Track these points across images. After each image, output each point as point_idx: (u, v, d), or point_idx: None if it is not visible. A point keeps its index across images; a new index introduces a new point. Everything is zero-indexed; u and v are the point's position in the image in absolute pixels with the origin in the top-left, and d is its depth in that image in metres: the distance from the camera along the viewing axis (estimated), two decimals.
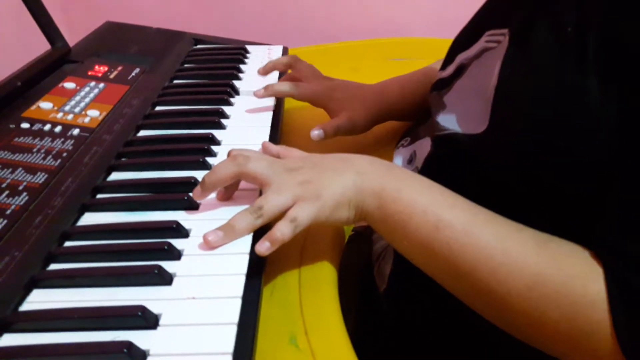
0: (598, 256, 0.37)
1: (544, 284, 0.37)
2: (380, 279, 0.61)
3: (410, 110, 0.69)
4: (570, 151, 0.39)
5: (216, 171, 0.46)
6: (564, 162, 0.39)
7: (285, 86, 0.66)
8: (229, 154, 0.47)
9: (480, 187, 0.45)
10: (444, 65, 0.57)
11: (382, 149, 0.67)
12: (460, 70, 0.53)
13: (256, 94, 0.66)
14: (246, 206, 0.44)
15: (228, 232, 0.43)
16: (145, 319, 0.36)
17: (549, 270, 0.37)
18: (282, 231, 0.42)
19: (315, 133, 0.62)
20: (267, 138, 0.59)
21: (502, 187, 0.43)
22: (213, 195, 0.49)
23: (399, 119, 0.71)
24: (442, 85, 0.56)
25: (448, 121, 0.52)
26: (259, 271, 0.43)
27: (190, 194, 0.48)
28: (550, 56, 0.40)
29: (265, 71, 0.70)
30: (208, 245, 0.42)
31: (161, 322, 0.37)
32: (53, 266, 0.42)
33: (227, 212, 0.46)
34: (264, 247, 0.42)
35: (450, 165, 0.50)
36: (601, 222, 0.37)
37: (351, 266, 0.64)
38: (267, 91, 0.66)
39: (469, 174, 0.47)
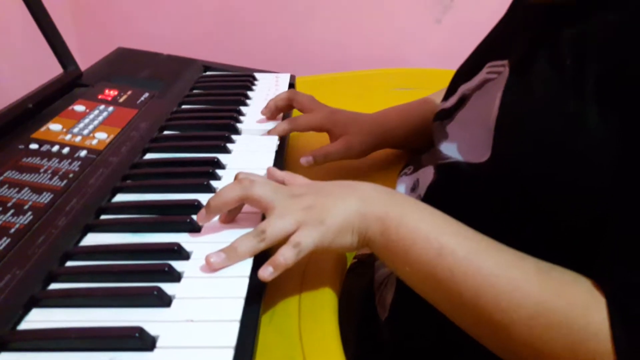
0: (600, 285, 0.36)
1: (548, 313, 0.36)
2: (381, 307, 0.60)
3: (409, 137, 0.70)
4: (572, 180, 0.39)
5: (221, 194, 0.46)
6: (565, 191, 0.39)
7: (285, 124, 0.67)
8: (235, 177, 0.48)
9: (482, 215, 0.45)
10: (447, 96, 0.58)
11: (384, 176, 0.68)
12: (463, 101, 0.54)
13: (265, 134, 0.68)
14: (248, 229, 0.45)
15: (230, 254, 0.43)
16: (143, 340, 0.36)
17: (552, 299, 0.37)
18: (285, 256, 0.42)
19: (304, 160, 0.64)
20: (272, 163, 0.60)
21: (505, 215, 0.44)
22: (216, 218, 0.49)
23: (397, 146, 0.72)
24: (445, 115, 0.56)
25: (451, 150, 0.53)
26: (259, 295, 0.43)
27: (194, 217, 0.48)
28: (550, 87, 0.41)
29: (268, 110, 0.70)
30: (210, 266, 0.43)
31: (158, 343, 0.36)
32: (53, 285, 0.42)
33: (229, 236, 0.46)
34: (267, 272, 0.42)
35: (453, 194, 0.51)
36: (602, 251, 0.37)
37: (352, 294, 0.64)
38: (270, 133, 0.67)
39: (471, 202, 0.48)
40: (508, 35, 0.54)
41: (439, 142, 0.55)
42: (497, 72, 0.49)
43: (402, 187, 0.61)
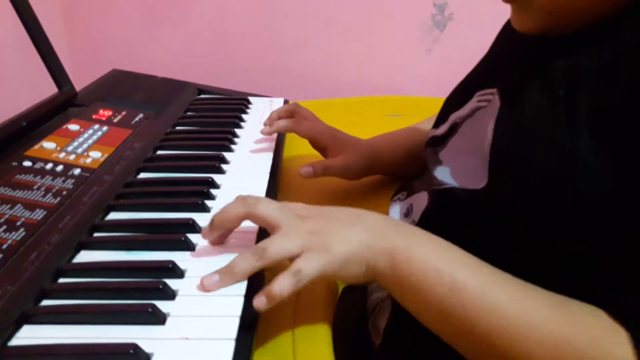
0: (618, 318, 0.36)
1: (568, 346, 0.35)
2: (375, 333, 0.60)
3: (397, 164, 0.71)
4: (566, 208, 0.39)
5: (225, 211, 0.45)
6: (560, 219, 0.40)
7: (289, 122, 0.68)
8: (236, 199, 0.47)
9: (478, 241, 0.45)
10: (437, 124, 0.59)
11: (377, 200, 0.68)
12: (454, 128, 0.55)
13: (262, 132, 0.68)
14: (242, 250, 0.44)
15: (226, 276, 0.42)
16: (137, 358, 0.35)
17: (572, 333, 0.36)
18: (282, 287, 0.40)
19: (304, 170, 0.63)
20: (266, 184, 0.60)
21: (501, 242, 0.44)
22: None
23: (386, 172, 0.73)
24: (437, 142, 0.57)
25: (446, 175, 0.53)
26: (254, 314, 0.42)
27: (188, 235, 0.48)
28: (542, 117, 0.42)
29: (270, 121, 0.70)
30: (204, 289, 0.42)
31: None
32: (45, 302, 0.41)
33: (223, 254, 0.46)
34: (261, 302, 0.40)
35: (448, 219, 0.51)
36: (613, 283, 0.37)
37: (344, 318, 0.63)
38: (272, 127, 0.68)
39: (467, 228, 0.47)
40: (496, 64, 0.55)
41: (434, 168, 0.56)
42: (487, 100, 0.50)
43: (395, 212, 0.61)
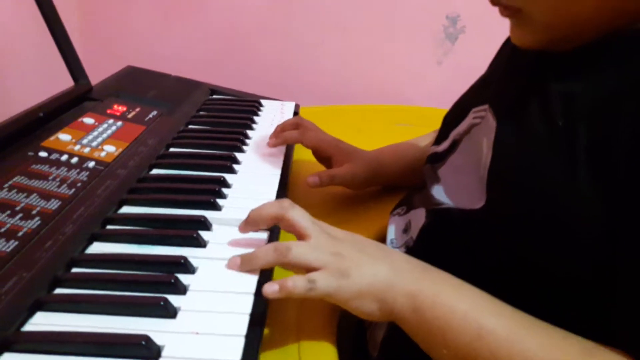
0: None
1: None
2: (372, 345, 0.60)
3: (400, 175, 0.72)
4: (563, 238, 0.39)
5: (260, 209, 0.47)
6: (556, 250, 0.40)
7: (294, 133, 0.70)
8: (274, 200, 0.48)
9: (474, 262, 0.45)
10: (439, 140, 0.59)
11: (377, 213, 0.68)
12: (454, 146, 0.55)
13: (268, 144, 0.70)
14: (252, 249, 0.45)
15: (245, 262, 0.44)
16: (149, 349, 0.36)
17: None
18: (296, 284, 0.41)
19: (311, 179, 0.65)
20: (277, 184, 0.61)
21: (497, 263, 0.44)
22: (222, 235, 0.50)
23: (389, 184, 0.73)
24: (437, 159, 0.57)
25: (442, 195, 0.53)
26: (262, 313, 0.43)
27: (200, 232, 0.49)
28: (542, 147, 0.41)
29: (275, 134, 0.71)
30: (229, 266, 0.45)
31: (164, 353, 0.36)
32: (59, 291, 0.42)
33: (234, 252, 0.47)
34: (272, 289, 0.41)
35: (445, 239, 0.50)
36: (625, 319, 0.37)
37: (344, 327, 0.64)
38: (278, 139, 0.69)
39: (463, 248, 0.47)
40: (491, 81, 0.55)
41: (431, 186, 0.56)
42: (480, 116, 0.51)
43: (393, 227, 0.61)
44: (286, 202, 0.46)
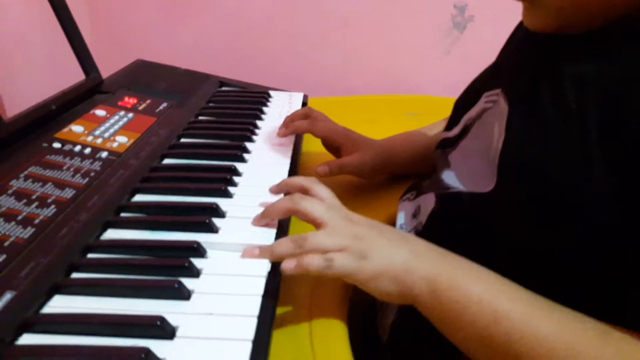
0: None
1: None
2: (382, 328, 0.60)
3: (411, 164, 0.72)
4: (574, 218, 0.39)
5: (275, 204, 0.49)
6: (567, 228, 0.40)
7: (304, 123, 0.70)
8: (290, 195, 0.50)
9: (483, 246, 0.46)
10: (450, 126, 0.59)
11: (387, 199, 0.69)
12: (465, 130, 0.55)
13: (278, 134, 0.70)
14: (264, 236, 0.47)
15: (263, 252, 0.45)
16: (164, 329, 0.37)
17: None
18: (311, 262, 0.42)
19: (321, 169, 0.66)
20: (287, 172, 0.62)
21: (506, 247, 0.44)
22: (234, 221, 0.51)
23: (399, 172, 0.74)
24: (448, 144, 0.57)
25: (453, 179, 0.54)
26: (274, 294, 0.43)
27: (212, 219, 0.49)
28: (555, 131, 0.41)
29: (284, 124, 0.72)
30: (244, 254, 0.46)
31: (178, 333, 0.37)
32: (75, 275, 0.43)
33: (245, 238, 0.48)
34: (290, 265, 0.42)
35: (454, 223, 0.51)
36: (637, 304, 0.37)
37: (354, 309, 0.64)
38: (288, 128, 0.70)
39: (472, 232, 0.48)
40: (503, 65, 0.55)
41: (441, 171, 0.56)
42: (492, 100, 0.51)
43: (403, 212, 0.61)
44: (296, 195, 0.48)
